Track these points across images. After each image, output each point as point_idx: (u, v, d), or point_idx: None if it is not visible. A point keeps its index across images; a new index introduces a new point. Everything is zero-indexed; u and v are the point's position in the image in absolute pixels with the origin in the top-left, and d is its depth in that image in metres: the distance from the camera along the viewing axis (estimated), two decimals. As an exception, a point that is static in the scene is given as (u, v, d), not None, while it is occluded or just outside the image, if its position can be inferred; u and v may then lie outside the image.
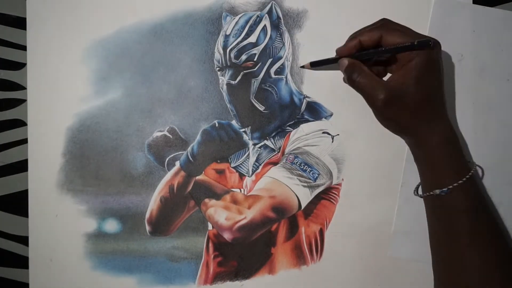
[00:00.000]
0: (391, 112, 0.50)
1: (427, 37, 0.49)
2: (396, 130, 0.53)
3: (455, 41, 0.59)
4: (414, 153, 0.54)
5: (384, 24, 0.52)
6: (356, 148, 0.61)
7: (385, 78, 0.54)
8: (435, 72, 0.50)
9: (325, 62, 0.55)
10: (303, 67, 0.57)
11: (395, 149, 0.60)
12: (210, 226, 0.61)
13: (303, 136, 0.61)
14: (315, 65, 0.56)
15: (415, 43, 0.48)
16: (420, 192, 0.54)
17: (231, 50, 0.60)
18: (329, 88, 0.61)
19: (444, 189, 0.49)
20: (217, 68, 0.61)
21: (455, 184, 0.49)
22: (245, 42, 0.60)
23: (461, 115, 0.59)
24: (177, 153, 0.61)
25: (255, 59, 0.60)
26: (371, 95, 0.51)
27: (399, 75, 0.50)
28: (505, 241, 0.50)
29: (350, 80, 0.52)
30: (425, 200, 0.53)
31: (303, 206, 0.60)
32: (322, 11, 0.61)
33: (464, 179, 0.49)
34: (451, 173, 0.50)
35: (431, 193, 0.51)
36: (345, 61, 0.52)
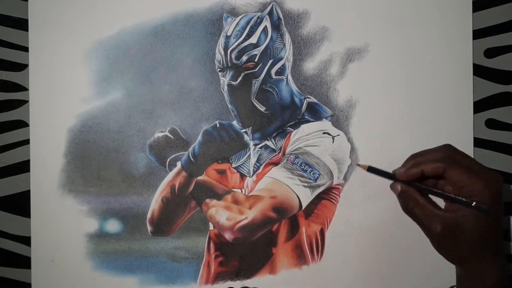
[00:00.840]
0: (447, 243, 0.49)
1: (485, 172, 0.47)
2: (452, 260, 0.51)
3: None
4: (464, 284, 0.51)
5: (449, 156, 0.48)
6: (357, 148, 0.61)
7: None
8: (495, 211, 0.47)
9: (383, 174, 0.51)
10: (359, 165, 0.54)
11: (396, 149, 0.60)
12: (211, 226, 0.62)
13: (303, 136, 0.61)
14: (372, 171, 0.53)
15: (472, 204, 0.46)
16: None
17: (232, 51, 0.61)
18: (329, 89, 0.61)
19: None
20: (218, 69, 0.61)
21: None
22: (246, 43, 0.61)
23: None
24: (179, 153, 0.62)
25: (256, 60, 0.61)
26: (427, 227, 0.49)
27: (458, 207, 0.48)
28: None
29: (404, 207, 0.50)
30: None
31: (303, 206, 0.60)
32: (322, 11, 0.61)
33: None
34: (485, 268, 0.48)
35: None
36: (398, 187, 0.50)
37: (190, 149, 0.62)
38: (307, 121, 0.61)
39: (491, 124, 0.62)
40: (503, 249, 0.51)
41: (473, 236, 0.47)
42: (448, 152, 0.49)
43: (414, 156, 0.50)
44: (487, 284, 0.49)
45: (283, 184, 0.60)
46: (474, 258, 0.49)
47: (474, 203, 0.46)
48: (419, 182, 0.49)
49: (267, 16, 0.61)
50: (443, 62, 0.61)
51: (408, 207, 0.50)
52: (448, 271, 0.60)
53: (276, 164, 0.61)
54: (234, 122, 0.62)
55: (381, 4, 0.61)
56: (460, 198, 0.47)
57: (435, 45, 0.61)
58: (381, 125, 0.61)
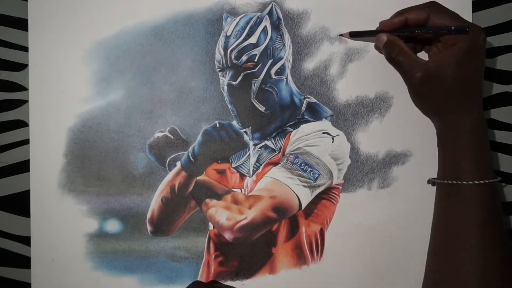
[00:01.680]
0: (426, 91, 0.50)
1: (468, 23, 0.49)
2: (428, 110, 0.53)
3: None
4: (441, 137, 0.53)
5: (433, 6, 0.51)
6: (356, 148, 0.61)
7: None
8: (477, 59, 0.50)
9: (365, 34, 0.54)
10: (341, 35, 0.56)
11: (396, 149, 0.60)
12: (211, 226, 0.62)
13: (303, 136, 0.61)
14: (354, 35, 0.55)
15: (452, 28, 0.48)
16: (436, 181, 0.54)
17: (231, 51, 0.61)
18: (329, 89, 0.61)
19: (469, 182, 0.49)
20: (218, 69, 0.61)
21: (478, 182, 0.49)
22: (245, 43, 0.61)
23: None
24: (178, 153, 0.62)
25: (255, 60, 0.61)
26: (408, 72, 0.51)
27: (440, 57, 0.50)
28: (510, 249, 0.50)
29: (388, 56, 0.52)
30: (440, 187, 0.53)
31: (303, 206, 0.61)
32: (322, 11, 0.61)
33: (487, 181, 0.49)
34: (475, 168, 0.49)
35: (453, 182, 0.50)
36: (384, 37, 0.53)
37: (190, 149, 0.62)
38: (307, 121, 0.61)
39: (491, 124, 0.62)
40: (481, 100, 0.52)
41: (453, 82, 0.49)
42: (431, 3, 0.52)
43: (398, 12, 0.53)
44: (462, 132, 0.50)
45: (282, 184, 0.60)
46: (451, 107, 0.50)
47: (453, 26, 0.48)
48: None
49: (266, 16, 0.61)
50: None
51: (392, 55, 0.52)
52: (447, 271, 0.60)
53: (276, 164, 0.61)
54: (234, 122, 0.62)
55: (381, 5, 0.61)
56: (443, 28, 0.49)
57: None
58: (380, 125, 0.61)
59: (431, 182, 0.55)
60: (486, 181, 0.49)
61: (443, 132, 0.53)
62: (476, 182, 0.49)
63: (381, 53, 0.53)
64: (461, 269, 0.48)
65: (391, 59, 0.52)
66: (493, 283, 0.47)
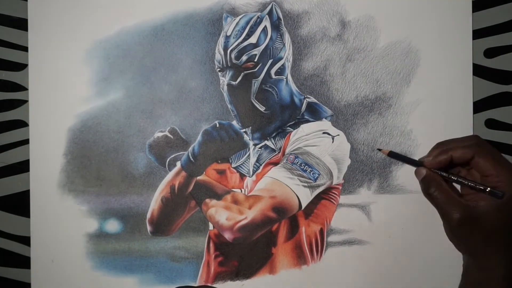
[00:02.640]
0: (463, 232, 0.48)
1: (502, 188, 0.47)
2: (463, 249, 0.50)
3: None
4: (471, 275, 0.51)
5: (478, 144, 0.48)
6: (356, 148, 0.61)
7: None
8: None
9: (405, 159, 0.52)
10: (380, 150, 0.55)
11: (397, 149, 0.60)
12: (211, 226, 0.62)
13: (303, 136, 0.61)
14: (393, 156, 0.53)
15: (487, 189, 0.47)
16: None
17: (231, 51, 0.61)
18: (329, 89, 0.61)
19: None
20: (218, 69, 0.61)
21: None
22: (245, 43, 0.61)
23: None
24: (178, 153, 0.62)
25: (255, 60, 0.61)
26: (445, 211, 0.48)
27: (477, 197, 0.48)
28: None
29: (425, 191, 0.50)
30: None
31: (303, 206, 0.60)
32: (322, 11, 0.61)
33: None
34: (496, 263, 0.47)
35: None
36: (423, 171, 0.50)
37: (190, 149, 0.62)
38: (307, 121, 0.61)
39: (491, 124, 0.62)
40: None
41: (491, 227, 0.47)
42: (475, 140, 0.49)
43: (441, 144, 0.50)
44: (495, 277, 0.48)
45: (282, 184, 0.60)
46: (487, 250, 0.49)
47: (489, 188, 0.46)
48: (445, 171, 0.49)
49: (266, 16, 0.61)
50: (443, 62, 0.61)
51: (430, 190, 0.50)
52: (448, 271, 0.60)
53: (275, 164, 0.61)
54: (234, 122, 0.62)
55: (381, 4, 0.61)
56: (476, 185, 0.47)
57: (434, 45, 0.61)
58: (380, 125, 0.61)
59: None
60: None
61: (473, 272, 0.50)
62: None
63: (423, 194, 0.52)
64: None
65: (428, 194, 0.50)
66: None
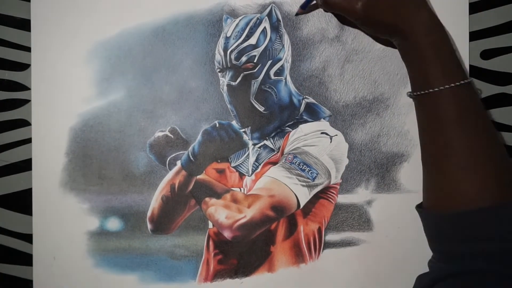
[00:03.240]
0: (373, 14, 0.52)
1: None
2: (382, 31, 0.54)
3: None
4: (403, 50, 0.54)
5: None
6: (354, 148, 0.62)
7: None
8: None
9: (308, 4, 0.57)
10: (297, 15, 0.60)
11: (394, 149, 0.61)
12: (210, 225, 0.62)
13: (302, 136, 0.62)
14: (300, 13, 0.60)
15: None
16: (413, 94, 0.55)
17: (231, 51, 0.61)
18: (327, 89, 0.62)
19: (435, 88, 0.50)
20: (218, 70, 0.62)
21: (446, 86, 0.49)
22: (245, 44, 0.61)
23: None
24: (178, 152, 0.62)
25: (255, 61, 0.61)
26: (351, 10, 0.52)
27: None
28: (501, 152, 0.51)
29: (326, 4, 0.54)
30: (416, 101, 0.54)
31: (302, 205, 0.61)
32: (321, 13, 0.62)
33: (457, 84, 0.50)
34: (441, 73, 0.50)
35: (423, 92, 0.51)
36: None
37: (190, 148, 0.62)
38: (306, 121, 0.62)
39: (487, 124, 0.62)
40: (427, 1, 0.53)
41: None
42: None
43: None
44: (419, 36, 0.51)
45: (281, 183, 0.61)
46: (402, 19, 0.51)
47: None
48: None
49: (266, 17, 0.62)
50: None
51: (327, 3, 0.53)
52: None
53: (274, 163, 0.62)
54: (234, 122, 0.62)
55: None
56: None
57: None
58: (378, 125, 0.61)
59: (408, 95, 0.55)
60: (455, 84, 0.49)
61: (403, 43, 0.54)
62: (447, 86, 0.49)
63: (326, 11, 0.56)
64: (450, 167, 0.49)
65: (328, 5, 0.54)
66: (487, 173, 0.48)
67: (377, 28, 0.54)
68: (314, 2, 0.58)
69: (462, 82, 0.50)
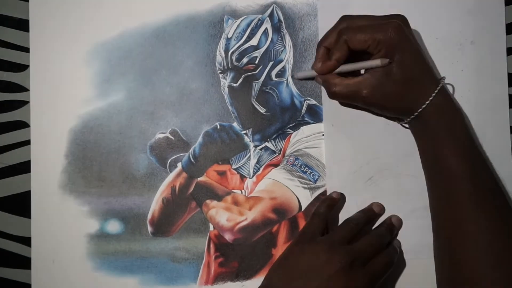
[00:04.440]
0: (379, 100, 0.52)
1: (389, 52, 0.51)
2: (391, 113, 0.55)
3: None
4: (413, 126, 0.55)
5: (344, 29, 0.52)
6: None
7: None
8: (409, 48, 0.51)
9: (307, 78, 0.58)
10: (293, 77, 0.60)
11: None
12: (211, 227, 0.62)
13: (303, 138, 0.62)
14: (299, 78, 0.60)
15: (380, 62, 0.51)
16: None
17: (232, 53, 0.61)
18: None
19: (419, 109, 0.51)
20: (219, 71, 0.62)
21: (427, 102, 0.50)
22: (246, 45, 0.61)
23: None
24: (179, 154, 0.62)
25: (256, 62, 0.61)
26: (356, 96, 0.52)
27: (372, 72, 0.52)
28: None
29: (330, 94, 0.54)
30: (410, 128, 0.56)
31: (303, 207, 0.61)
32: (322, 14, 0.61)
33: (435, 92, 0.51)
34: (455, 152, 0.51)
35: (412, 117, 0.52)
36: (319, 79, 0.55)
37: (191, 150, 0.62)
38: (307, 123, 0.62)
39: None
40: (434, 73, 0.53)
41: (396, 83, 0.51)
42: (343, 20, 0.54)
43: (319, 44, 0.55)
44: (431, 116, 0.51)
45: (283, 186, 0.61)
46: (409, 102, 0.51)
47: (375, 61, 0.51)
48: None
49: (267, 18, 0.62)
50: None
51: (331, 91, 0.53)
52: (446, 272, 0.60)
53: (276, 165, 0.62)
54: (235, 124, 0.62)
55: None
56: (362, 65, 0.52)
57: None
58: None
59: (402, 124, 0.57)
60: (431, 96, 0.51)
61: (413, 124, 0.54)
62: (424, 104, 0.51)
63: (330, 98, 0.56)
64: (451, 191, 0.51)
65: (333, 95, 0.54)
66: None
67: (384, 111, 0.54)
68: (310, 76, 0.58)
69: (437, 88, 0.51)
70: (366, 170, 0.60)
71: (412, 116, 0.52)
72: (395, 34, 0.50)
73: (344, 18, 0.54)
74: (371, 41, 0.50)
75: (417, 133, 0.55)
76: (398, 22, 0.51)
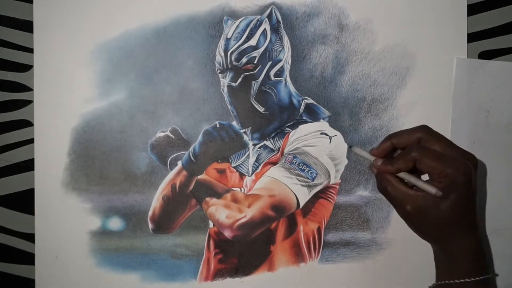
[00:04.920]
0: (417, 223, 0.52)
1: (458, 152, 0.50)
2: (425, 238, 0.54)
3: (481, 98, 0.61)
4: (438, 257, 0.54)
5: (426, 130, 0.52)
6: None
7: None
8: (467, 193, 0.50)
9: (364, 156, 0.56)
10: (350, 147, 0.57)
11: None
12: (211, 224, 0.63)
13: (301, 136, 0.62)
14: (353, 150, 0.57)
15: (425, 187, 0.50)
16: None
17: (232, 53, 0.62)
18: (327, 90, 0.62)
19: (461, 280, 0.50)
20: (218, 71, 0.63)
21: (470, 279, 0.50)
22: (245, 45, 0.62)
23: (492, 172, 0.62)
24: (179, 153, 0.63)
25: (255, 62, 0.62)
26: (398, 206, 0.52)
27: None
28: None
29: (379, 187, 0.54)
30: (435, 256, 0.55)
31: (301, 205, 0.62)
32: (320, 14, 0.62)
33: (480, 277, 0.50)
34: (468, 271, 0.51)
35: (447, 282, 0.52)
36: (374, 169, 0.54)
37: (191, 148, 0.63)
38: (305, 122, 0.63)
39: (485, 125, 0.63)
40: (477, 227, 0.52)
41: (444, 217, 0.50)
42: (423, 129, 0.52)
43: (389, 137, 0.54)
44: (460, 257, 0.51)
45: (281, 183, 0.61)
46: (446, 239, 0.51)
47: (427, 186, 0.50)
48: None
49: (266, 19, 0.62)
50: (438, 64, 0.62)
51: (382, 186, 0.53)
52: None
53: (274, 163, 0.62)
54: (234, 123, 0.63)
55: (378, 8, 0.62)
56: (415, 188, 0.51)
57: (430, 48, 0.62)
58: (377, 126, 0.62)
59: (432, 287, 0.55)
60: (479, 277, 0.50)
61: (439, 254, 0.54)
62: (472, 279, 0.50)
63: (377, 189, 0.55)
64: None
65: (381, 190, 0.53)
66: None
67: (419, 232, 0.53)
68: (367, 159, 0.56)
69: (485, 276, 0.51)
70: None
71: (441, 249, 0.53)
72: (463, 177, 0.49)
73: (424, 129, 0.53)
74: (439, 171, 0.49)
75: (438, 257, 0.54)
76: (471, 167, 0.50)
